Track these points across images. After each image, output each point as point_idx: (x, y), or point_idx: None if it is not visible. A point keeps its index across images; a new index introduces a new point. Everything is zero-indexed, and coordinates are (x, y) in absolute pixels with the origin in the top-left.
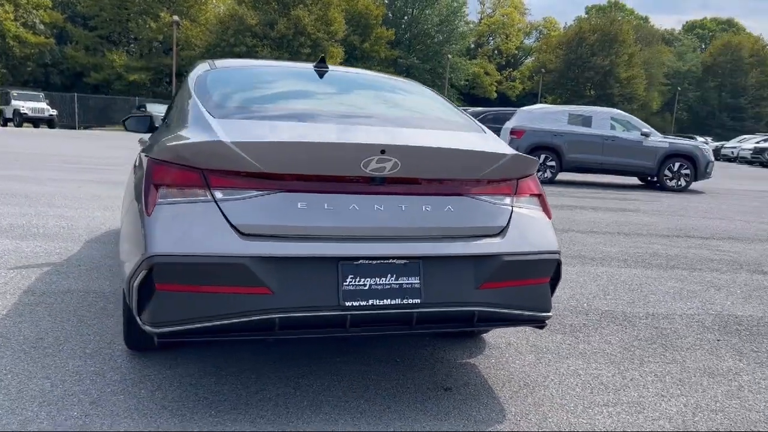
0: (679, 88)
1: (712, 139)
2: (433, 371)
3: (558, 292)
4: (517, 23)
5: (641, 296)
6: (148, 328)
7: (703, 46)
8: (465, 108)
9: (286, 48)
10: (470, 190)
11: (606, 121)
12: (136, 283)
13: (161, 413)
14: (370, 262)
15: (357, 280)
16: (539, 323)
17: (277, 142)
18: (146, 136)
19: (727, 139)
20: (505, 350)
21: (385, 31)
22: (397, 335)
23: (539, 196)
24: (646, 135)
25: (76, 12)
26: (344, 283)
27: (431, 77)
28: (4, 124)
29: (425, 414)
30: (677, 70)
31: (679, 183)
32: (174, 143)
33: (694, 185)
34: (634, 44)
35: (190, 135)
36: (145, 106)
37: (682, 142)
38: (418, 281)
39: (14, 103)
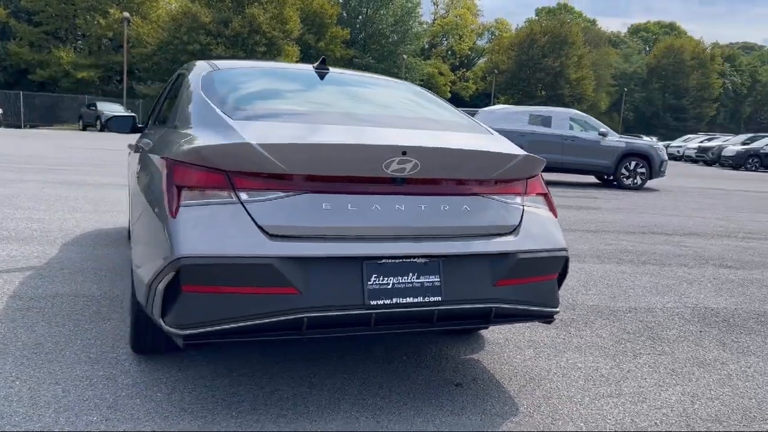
0: (625, 89)
1: (658, 139)
2: (441, 368)
3: None
4: (469, 24)
5: (621, 291)
6: (173, 330)
7: (648, 49)
8: None
9: (240, 46)
10: (485, 190)
11: (565, 121)
12: (160, 286)
13: (182, 416)
14: (393, 261)
15: (380, 279)
16: (548, 318)
17: (302, 143)
18: (146, 139)
19: (671, 138)
20: (504, 346)
21: (341, 31)
22: (402, 333)
23: (545, 195)
24: (604, 135)
25: (19, 7)
26: (368, 283)
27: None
28: None
29: (441, 410)
30: (624, 72)
31: (635, 181)
32: (196, 145)
33: (649, 183)
34: (583, 46)
35: (211, 137)
36: (95, 105)
37: (638, 142)
38: (438, 279)
39: None
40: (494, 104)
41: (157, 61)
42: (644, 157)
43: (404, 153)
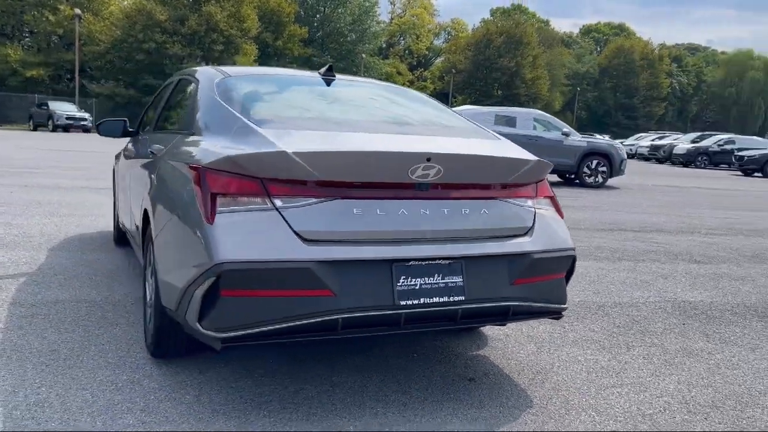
0: (578, 89)
1: (610, 137)
2: (451, 364)
3: None
4: (426, 24)
5: (603, 287)
6: (211, 333)
7: (599, 49)
8: None
9: (197, 45)
10: (501, 193)
11: (529, 121)
12: (198, 291)
13: (215, 417)
14: (420, 263)
15: (409, 280)
16: (557, 315)
17: (335, 151)
18: (157, 145)
19: (623, 136)
20: (506, 341)
21: (299, 29)
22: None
23: (552, 197)
24: (566, 135)
25: None
26: (398, 284)
27: None
28: None
29: (461, 403)
30: (576, 72)
31: (597, 179)
32: (231, 153)
33: (609, 181)
34: (537, 46)
35: (243, 145)
36: (47, 105)
37: (599, 141)
38: (461, 280)
39: None
40: (452, 104)
41: (110, 60)
42: (605, 156)
43: (429, 159)
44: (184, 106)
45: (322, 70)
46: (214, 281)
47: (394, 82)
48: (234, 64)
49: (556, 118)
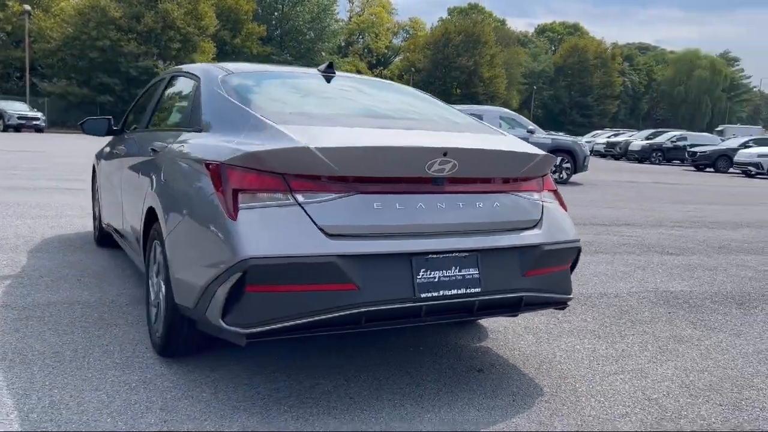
0: (535, 87)
1: (565, 134)
2: (457, 356)
3: None
4: (385, 23)
5: (586, 279)
6: (236, 329)
7: (554, 48)
8: None
9: (153, 42)
10: (511, 187)
11: (495, 119)
12: (223, 288)
13: (237, 413)
14: (438, 256)
15: (428, 273)
16: (563, 305)
17: (355, 146)
18: (159, 142)
19: (578, 134)
20: (504, 333)
21: (257, 27)
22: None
23: (555, 191)
24: (531, 132)
25: None
26: (418, 277)
27: None
28: None
29: (474, 393)
30: (533, 70)
31: (562, 176)
32: (253, 149)
33: (573, 177)
34: (495, 45)
35: (262, 141)
36: None
37: (564, 138)
38: (477, 272)
39: None
40: None
41: (62, 58)
42: (569, 152)
43: (445, 154)
44: (184, 103)
45: (322, 67)
46: (239, 277)
47: None
48: (192, 62)
49: (521, 116)
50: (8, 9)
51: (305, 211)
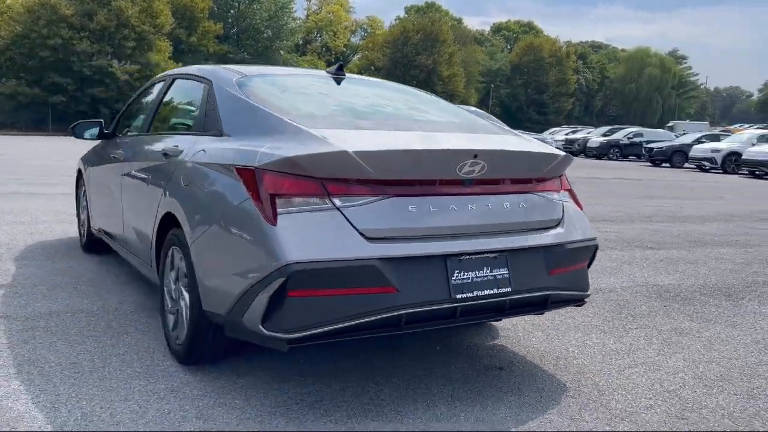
0: (492, 86)
1: (533, 134)
2: (476, 355)
3: None
4: (343, 21)
5: None
6: (278, 335)
7: (510, 47)
8: None
9: (107, 41)
10: (534, 187)
11: None
12: (265, 293)
13: (275, 419)
14: (470, 257)
15: (462, 274)
16: (582, 302)
17: (391, 150)
18: (173, 145)
19: (535, 131)
20: (514, 331)
21: (213, 25)
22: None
23: (570, 190)
24: None
25: None
26: (452, 278)
27: None
28: None
29: (501, 391)
30: (490, 69)
31: None
32: (290, 153)
33: None
34: (453, 44)
35: (293, 144)
36: None
37: (533, 137)
38: (507, 272)
39: None
40: None
41: (10, 57)
42: None
43: (475, 156)
44: (194, 106)
45: (332, 68)
46: (282, 283)
47: None
48: (147, 61)
49: (491, 115)
50: None
51: (344, 215)
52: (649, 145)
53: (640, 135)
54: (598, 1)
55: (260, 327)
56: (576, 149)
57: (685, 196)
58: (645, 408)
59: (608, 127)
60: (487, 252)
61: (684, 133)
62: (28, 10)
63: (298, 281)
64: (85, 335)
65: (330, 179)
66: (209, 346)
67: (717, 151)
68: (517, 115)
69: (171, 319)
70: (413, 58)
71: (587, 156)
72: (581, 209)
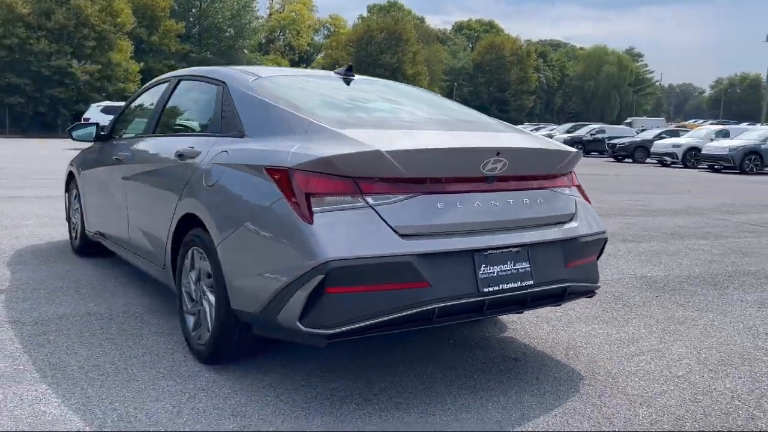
0: (455, 84)
1: None
2: (489, 347)
3: None
4: (306, 20)
5: None
6: (316, 331)
7: (471, 46)
8: None
9: (66, 41)
10: (550, 183)
11: None
12: (303, 291)
13: (310, 414)
14: (495, 252)
15: (488, 268)
16: (592, 293)
17: (421, 149)
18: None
19: None
20: (521, 323)
21: (174, 24)
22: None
23: (579, 185)
24: None
25: None
26: (479, 272)
27: None
28: None
29: (522, 380)
30: (453, 67)
31: None
32: (324, 154)
33: None
34: (416, 43)
35: (324, 145)
36: None
37: None
38: (529, 266)
39: None
40: None
41: None
42: None
43: (498, 153)
44: (207, 108)
45: (341, 69)
46: (321, 280)
47: None
48: (108, 61)
49: None
50: None
51: (377, 213)
52: (611, 141)
53: (603, 131)
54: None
55: (298, 324)
56: None
57: (652, 191)
58: (660, 393)
59: (571, 124)
60: (511, 246)
61: (642, 129)
62: None
63: (337, 278)
64: (100, 338)
65: (363, 178)
66: (235, 344)
67: (678, 146)
68: (480, 112)
69: (191, 319)
70: (378, 56)
71: None
72: (590, 203)
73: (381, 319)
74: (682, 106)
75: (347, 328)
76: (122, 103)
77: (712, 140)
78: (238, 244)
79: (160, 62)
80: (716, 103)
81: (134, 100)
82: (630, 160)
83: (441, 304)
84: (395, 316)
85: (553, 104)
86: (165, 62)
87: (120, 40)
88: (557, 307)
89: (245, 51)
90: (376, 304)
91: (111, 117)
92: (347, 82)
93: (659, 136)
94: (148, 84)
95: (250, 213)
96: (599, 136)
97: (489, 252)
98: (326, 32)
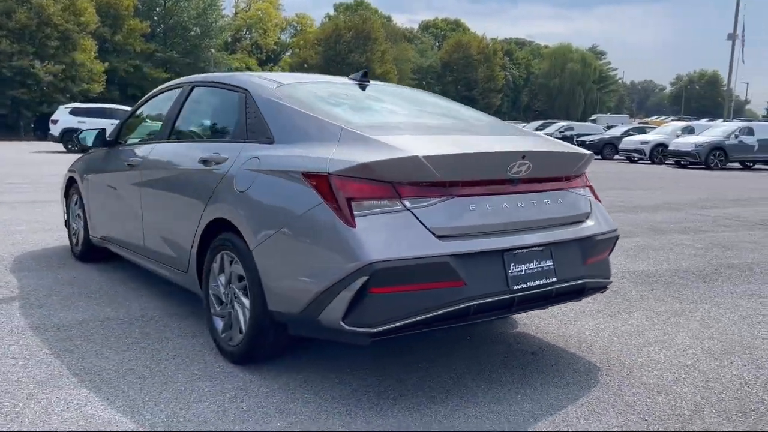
0: (424, 83)
1: None
2: (506, 343)
3: None
4: (273, 18)
5: None
6: (360, 330)
7: (438, 44)
8: None
9: (28, 40)
10: (567, 184)
11: None
12: (347, 291)
13: (352, 410)
14: (522, 251)
15: (517, 267)
16: (605, 289)
17: (456, 154)
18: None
19: None
20: (530, 319)
21: (139, 23)
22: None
23: (591, 186)
24: None
25: None
26: (509, 271)
27: (193, 72)
28: None
29: (544, 373)
30: (421, 66)
31: None
32: (365, 160)
33: None
34: (384, 42)
35: (361, 150)
36: None
37: None
38: (552, 264)
39: None
40: None
41: None
42: None
43: (524, 156)
44: (229, 114)
45: (357, 75)
46: (365, 281)
47: None
48: (72, 61)
49: None
50: None
51: (415, 216)
52: (580, 138)
53: (571, 129)
54: None
55: (341, 323)
56: None
57: (626, 187)
58: (674, 381)
59: (540, 122)
60: (536, 245)
61: (608, 126)
62: None
63: (380, 279)
64: (127, 342)
65: (400, 182)
66: (270, 345)
67: (645, 143)
68: None
69: (219, 321)
70: (346, 55)
71: None
72: (601, 203)
73: (421, 317)
74: (644, 102)
75: (390, 326)
76: (90, 105)
77: (678, 137)
78: (276, 248)
79: (125, 62)
80: (677, 100)
81: (141, 105)
82: (599, 157)
83: (476, 302)
84: (434, 314)
85: (520, 102)
86: (130, 62)
87: (83, 40)
88: (560, 304)
89: (212, 50)
90: (417, 303)
91: (79, 119)
92: (363, 87)
93: (627, 133)
94: (155, 90)
95: (287, 218)
96: (568, 133)
97: (517, 251)
98: (293, 31)
